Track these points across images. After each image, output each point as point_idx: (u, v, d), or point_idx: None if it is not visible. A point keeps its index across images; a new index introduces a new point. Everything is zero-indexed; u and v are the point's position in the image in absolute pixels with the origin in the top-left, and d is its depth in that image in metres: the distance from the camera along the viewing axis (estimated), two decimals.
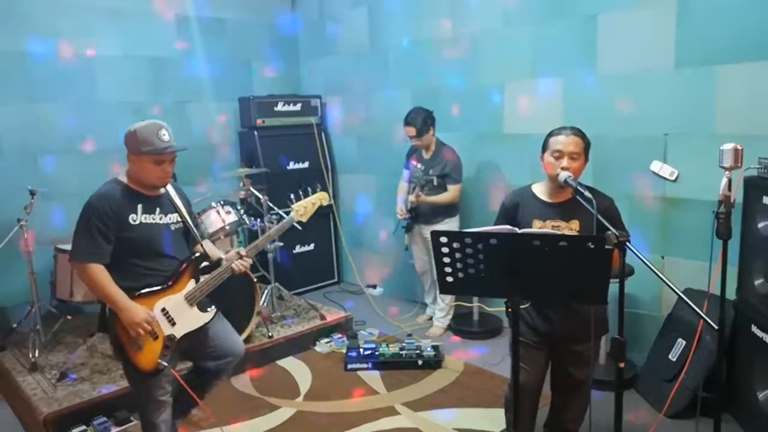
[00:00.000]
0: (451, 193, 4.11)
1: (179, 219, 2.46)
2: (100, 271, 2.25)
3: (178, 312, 2.39)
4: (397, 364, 3.77)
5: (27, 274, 3.80)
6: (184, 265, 2.44)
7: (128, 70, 4.74)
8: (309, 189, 2.76)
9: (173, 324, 2.38)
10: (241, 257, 2.51)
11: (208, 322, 2.49)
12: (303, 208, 2.67)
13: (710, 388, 2.85)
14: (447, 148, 4.17)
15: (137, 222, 2.31)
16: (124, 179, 2.38)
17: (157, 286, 2.36)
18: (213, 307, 2.52)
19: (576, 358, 2.39)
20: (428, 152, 4.22)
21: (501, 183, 4.23)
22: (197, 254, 2.51)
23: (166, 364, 2.33)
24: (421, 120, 4.07)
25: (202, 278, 2.47)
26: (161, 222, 2.39)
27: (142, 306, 2.29)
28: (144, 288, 2.33)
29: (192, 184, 4.86)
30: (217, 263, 2.53)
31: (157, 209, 2.39)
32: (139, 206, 2.33)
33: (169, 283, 2.39)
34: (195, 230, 2.52)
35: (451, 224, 4.21)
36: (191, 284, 2.44)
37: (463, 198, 4.48)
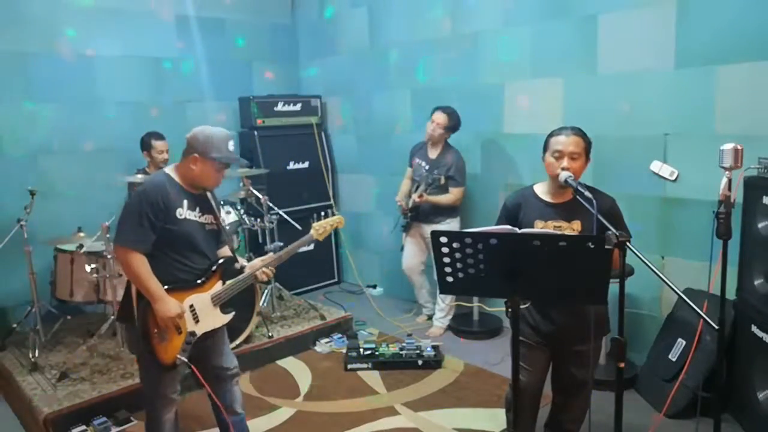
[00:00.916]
0: (454, 195, 4.11)
1: (213, 220, 2.50)
2: (141, 260, 2.28)
3: (204, 310, 2.44)
4: (397, 364, 3.77)
5: (27, 274, 3.80)
6: (216, 266, 2.48)
7: (128, 70, 4.74)
8: (325, 214, 3.01)
9: (197, 321, 2.42)
10: (264, 264, 2.57)
11: (225, 324, 2.55)
12: (322, 228, 2.75)
13: (710, 388, 2.85)
14: (453, 151, 4.17)
15: (183, 216, 2.35)
16: (173, 174, 2.41)
17: (188, 281, 2.40)
18: (232, 310, 2.56)
19: (577, 358, 2.39)
20: (434, 152, 4.22)
21: (501, 183, 4.23)
22: (228, 256, 2.56)
23: (184, 359, 2.36)
24: (456, 117, 4.11)
25: (229, 281, 2.52)
26: (199, 220, 2.43)
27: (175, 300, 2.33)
28: (175, 281, 2.36)
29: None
30: (240, 269, 2.58)
31: (198, 207, 2.43)
32: (185, 201, 2.37)
33: (201, 281, 2.43)
34: (225, 232, 2.58)
35: (452, 224, 4.21)
36: (218, 285, 2.49)
37: (464, 198, 4.49)
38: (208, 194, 2.52)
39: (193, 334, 2.40)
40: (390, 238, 4.83)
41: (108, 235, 3.50)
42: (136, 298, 2.34)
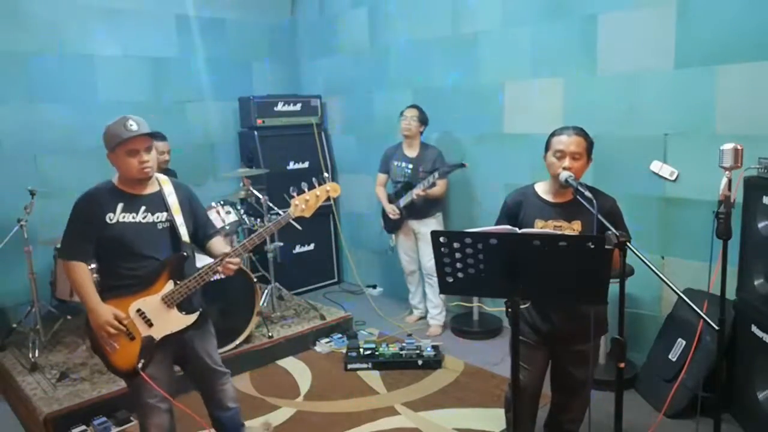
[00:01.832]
0: (441, 187, 4.18)
1: (168, 218, 2.39)
2: (78, 270, 2.27)
3: (156, 313, 2.33)
4: (397, 364, 3.77)
5: (27, 274, 3.80)
6: (162, 266, 2.36)
7: (128, 70, 4.75)
8: (314, 181, 2.49)
9: (150, 325, 2.33)
10: (226, 255, 2.38)
11: (192, 325, 2.41)
12: (304, 202, 2.44)
13: (710, 388, 2.85)
14: (432, 147, 4.31)
15: (114, 221, 2.29)
16: (114, 179, 2.39)
17: (132, 286, 2.32)
18: (199, 310, 2.44)
19: (576, 358, 2.39)
20: (413, 150, 4.31)
21: (500, 183, 4.23)
22: (176, 255, 2.41)
23: (140, 366, 2.27)
24: (423, 111, 4.27)
25: (184, 280, 2.37)
26: (144, 221, 2.34)
27: (115, 307, 2.27)
28: (117, 288, 2.31)
29: (192, 184, 4.85)
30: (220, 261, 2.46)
31: (142, 208, 2.34)
32: (120, 205, 2.31)
33: (145, 284, 2.33)
34: (182, 229, 2.41)
35: (439, 219, 4.36)
36: (169, 285, 2.36)
37: (463, 197, 4.50)
38: (166, 190, 2.41)
39: (150, 338, 2.31)
40: (391, 238, 4.83)
41: None
42: None
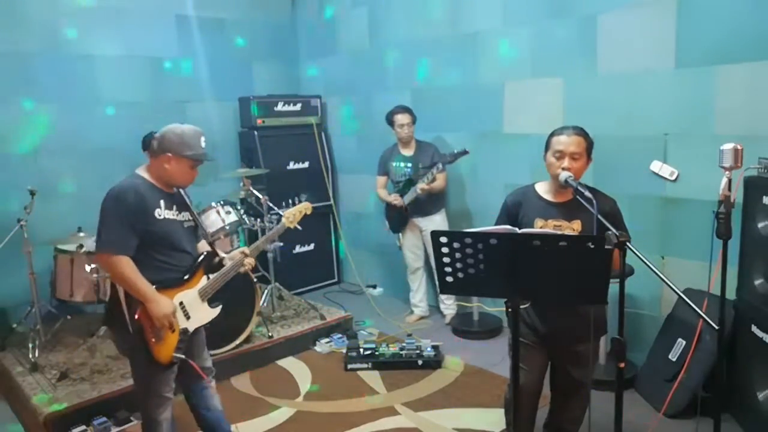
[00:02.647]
0: (442, 181, 4.22)
1: (190, 217, 2.53)
2: (127, 263, 2.26)
3: (193, 306, 2.46)
4: (397, 364, 3.77)
5: (27, 274, 3.80)
6: (200, 261, 2.50)
7: (128, 70, 4.75)
8: (296, 198, 3.17)
9: (188, 318, 2.44)
10: (246, 255, 2.60)
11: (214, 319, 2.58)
12: (292, 215, 2.88)
13: (710, 388, 2.85)
14: (427, 143, 4.39)
15: (162, 217, 2.35)
16: (145, 175, 2.40)
17: (175, 279, 2.41)
18: (219, 304, 2.58)
19: (575, 358, 2.39)
20: (409, 150, 4.37)
21: (501, 183, 4.23)
22: (208, 251, 2.58)
23: (182, 356, 2.36)
24: (411, 110, 4.33)
25: (212, 275, 2.54)
26: (177, 219, 2.45)
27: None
28: (162, 280, 2.36)
29: (192, 184, 4.87)
30: (220, 262, 2.60)
31: (174, 206, 2.44)
32: (162, 201, 2.38)
33: (187, 278, 2.44)
34: (203, 229, 2.60)
35: (443, 214, 4.40)
36: (204, 280, 2.51)
37: (463, 197, 4.50)
38: (182, 192, 2.54)
39: (185, 331, 2.40)
40: (392, 238, 4.83)
41: None
42: (125, 301, 2.31)
